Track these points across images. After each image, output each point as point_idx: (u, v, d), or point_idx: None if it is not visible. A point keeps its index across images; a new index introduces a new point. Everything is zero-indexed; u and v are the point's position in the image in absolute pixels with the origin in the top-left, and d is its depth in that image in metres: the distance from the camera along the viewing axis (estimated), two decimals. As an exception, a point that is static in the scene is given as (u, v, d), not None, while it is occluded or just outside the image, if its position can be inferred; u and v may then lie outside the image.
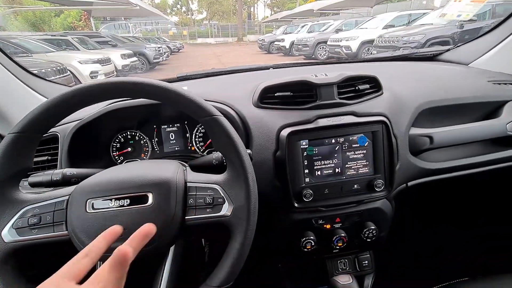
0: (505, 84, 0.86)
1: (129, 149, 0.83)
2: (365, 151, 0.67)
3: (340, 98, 0.68)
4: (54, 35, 8.01)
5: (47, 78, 0.85)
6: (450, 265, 1.02)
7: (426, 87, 0.81)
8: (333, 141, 0.66)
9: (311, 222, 0.71)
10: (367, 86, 0.72)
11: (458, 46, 1.12)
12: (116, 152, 0.83)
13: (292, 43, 10.95)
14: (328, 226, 0.72)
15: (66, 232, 0.45)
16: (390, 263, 0.87)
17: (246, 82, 0.96)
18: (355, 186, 0.68)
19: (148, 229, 0.40)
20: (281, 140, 0.65)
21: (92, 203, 0.45)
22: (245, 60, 11.41)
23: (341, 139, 0.66)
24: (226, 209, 0.47)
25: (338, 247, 0.73)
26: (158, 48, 9.82)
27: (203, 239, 0.88)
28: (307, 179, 0.66)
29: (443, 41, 6.10)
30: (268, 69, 1.12)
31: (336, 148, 0.66)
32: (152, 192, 0.46)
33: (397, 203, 0.77)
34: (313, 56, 9.86)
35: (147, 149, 0.85)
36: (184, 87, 0.91)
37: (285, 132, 0.64)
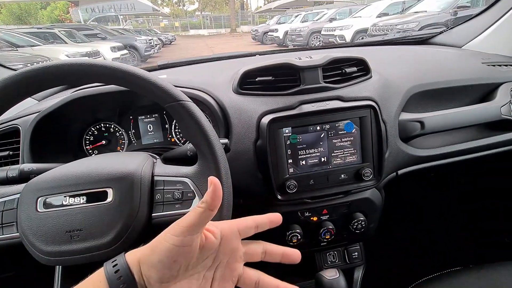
0: (500, 65, 0.82)
1: (104, 142, 0.78)
2: (352, 138, 0.63)
3: (326, 82, 0.64)
4: (40, 28, 7.76)
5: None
6: (442, 254, 1.00)
7: (418, 70, 0.77)
8: (318, 128, 0.62)
9: (297, 215, 0.67)
10: (355, 69, 0.67)
11: (451, 28, 1.07)
12: (89, 145, 0.77)
13: (286, 33, 10.77)
14: (315, 219, 0.69)
15: (17, 234, 0.41)
16: (381, 254, 0.85)
17: (229, 69, 0.90)
18: (342, 175, 0.64)
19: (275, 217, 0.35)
20: (261, 128, 0.60)
21: (44, 201, 0.40)
22: (238, 51, 11.21)
23: (327, 126, 0.62)
24: (196, 205, 0.43)
25: (326, 240, 0.70)
26: (149, 40, 9.59)
27: None
28: (290, 170, 0.62)
29: (437, 29, 6.06)
30: (254, 55, 1.07)
31: (322, 136, 0.62)
32: (112, 187, 0.41)
33: (386, 193, 0.73)
34: (307, 46, 9.73)
35: (123, 141, 0.79)
36: (162, 76, 0.86)
37: (265, 120, 0.60)
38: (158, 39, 11.84)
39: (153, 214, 0.43)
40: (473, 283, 0.61)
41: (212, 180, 0.29)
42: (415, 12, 6.68)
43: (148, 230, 0.43)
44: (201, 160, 0.45)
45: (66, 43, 6.88)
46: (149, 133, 0.82)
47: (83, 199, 0.41)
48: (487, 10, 0.97)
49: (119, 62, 0.42)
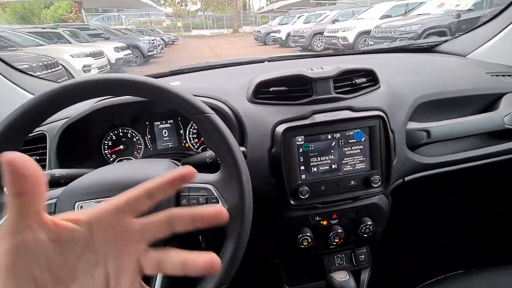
0: (503, 75, 0.85)
1: (121, 146, 0.81)
2: (361, 147, 0.66)
3: (336, 93, 0.67)
4: (44, 28, 7.80)
5: (34, 74, 0.82)
6: (446, 257, 1.02)
7: (423, 80, 0.80)
8: (329, 136, 0.65)
9: (308, 219, 0.70)
10: (364, 79, 0.70)
11: (455, 37, 1.10)
12: (108, 150, 0.81)
13: (288, 34, 10.80)
14: (324, 223, 0.72)
15: None
16: (387, 258, 0.87)
17: (240, 76, 0.94)
18: (352, 182, 0.67)
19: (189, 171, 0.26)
20: (276, 137, 0.63)
21: (81, 206, 0.43)
22: (241, 51, 11.26)
23: (338, 135, 0.65)
24: None
25: (335, 243, 0.73)
26: (152, 40, 9.62)
27: (200, 236, 0.87)
28: (303, 176, 0.65)
29: (440, 31, 6.07)
30: (263, 62, 1.10)
31: (333, 144, 0.65)
32: None
33: (393, 198, 0.76)
34: (310, 48, 9.76)
35: (140, 146, 0.83)
36: (176, 82, 0.89)
37: (280, 129, 0.63)
38: (161, 39, 11.88)
39: None
40: (477, 286, 0.64)
41: (4, 158, 0.19)
42: (418, 15, 6.69)
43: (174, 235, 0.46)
44: (224, 169, 0.48)
45: (70, 43, 6.91)
46: (164, 138, 0.85)
47: None
48: (492, 20, 1.00)
49: (151, 78, 0.45)
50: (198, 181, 0.48)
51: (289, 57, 1.19)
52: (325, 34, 8.83)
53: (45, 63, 4.40)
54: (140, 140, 0.83)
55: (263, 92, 0.69)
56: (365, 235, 0.73)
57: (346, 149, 0.66)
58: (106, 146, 0.81)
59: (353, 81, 0.68)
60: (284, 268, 0.86)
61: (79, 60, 5.65)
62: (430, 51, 1.15)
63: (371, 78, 0.71)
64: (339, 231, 0.72)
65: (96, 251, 0.24)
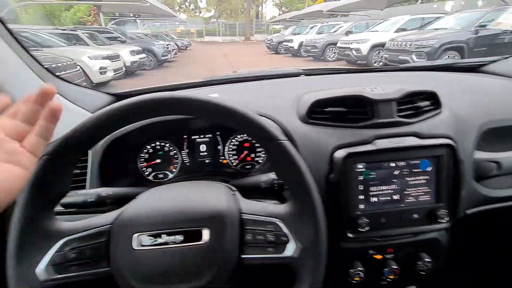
0: None
1: (158, 160, 0.77)
2: (427, 177, 0.60)
3: (399, 116, 0.61)
4: (64, 30, 8.01)
5: (57, 73, 0.78)
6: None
7: (487, 103, 0.74)
8: (392, 164, 0.59)
9: (362, 252, 0.64)
10: (427, 102, 0.64)
11: (506, 58, 1.04)
12: (144, 163, 0.77)
13: (301, 44, 10.85)
14: (379, 257, 0.65)
15: (109, 269, 0.39)
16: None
17: (282, 90, 0.89)
18: (415, 215, 0.60)
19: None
20: (335, 162, 0.58)
21: (140, 238, 0.39)
22: (253, 59, 11.33)
23: (402, 163, 0.59)
24: (291, 250, 0.41)
25: (388, 280, 0.66)
26: (167, 45, 9.79)
27: None
28: (361, 206, 0.60)
29: (458, 47, 5.99)
30: (299, 75, 1.05)
31: (396, 173, 0.59)
32: (208, 227, 0.40)
33: (453, 233, 0.69)
34: (322, 58, 9.78)
35: (177, 161, 0.78)
36: (215, 94, 0.85)
37: (340, 154, 0.58)
38: (175, 44, 12.08)
39: (243, 256, 0.41)
40: None
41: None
42: (435, 29, 6.63)
43: (238, 273, 0.41)
44: (294, 201, 0.43)
45: (88, 45, 7.06)
46: (201, 153, 0.81)
47: (179, 238, 0.39)
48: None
49: (223, 100, 0.41)
50: (264, 214, 0.43)
51: (324, 71, 1.14)
52: (338, 45, 8.84)
53: (64, 63, 4.49)
54: (177, 154, 0.78)
55: (318, 112, 0.65)
56: (422, 273, 0.66)
57: (409, 178, 0.60)
58: (142, 159, 0.77)
59: (417, 104, 0.63)
60: None
61: (96, 62, 5.76)
62: (476, 70, 1.09)
63: (434, 101, 0.66)
64: (394, 267, 0.65)
65: None
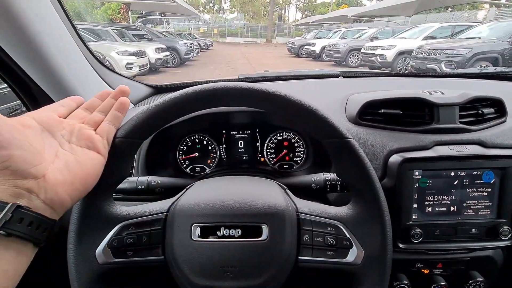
0: None
1: (196, 154, 0.77)
2: (490, 190, 0.55)
3: (461, 122, 0.57)
4: (96, 26, 8.36)
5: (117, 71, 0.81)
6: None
7: None
8: (452, 173, 0.55)
9: (409, 265, 0.60)
10: (492, 110, 0.60)
11: None
12: (182, 156, 0.76)
13: (323, 48, 10.74)
14: (426, 271, 0.61)
15: (162, 257, 0.38)
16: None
17: (324, 90, 0.87)
18: (473, 230, 0.56)
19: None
20: (390, 167, 0.55)
21: (199, 229, 0.38)
22: (274, 62, 11.32)
23: (463, 173, 0.55)
24: (354, 256, 0.38)
25: (436, 297, 0.62)
26: (190, 44, 9.98)
27: None
28: (414, 215, 0.56)
29: (492, 57, 5.68)
30: (338, 77, 1.02)
31: (455, 183, 0.55)
32: (267, 223, 0.38)
33: (509, 252, 0.64)
34: (344, 63, 9.61)
35: (214, 155, 0.78)
36: None
37: (396, 159, 0.54)
38: (198, 43, 12.30)
39: (300, 257, 0.39)
40: None
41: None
42: (468, 38, 6.33)
43: (294, 274, 0.39)
44: (357, 203, 0.41)
45: (116, 41, 7.33)
46: (239, 150, 0.80)
47: (238, 232, 0.37)
48: None
49: (291, 94, 0.39)
50: (323, 215, 0.41)
51: (362, 74, 1.10)
52: (362, 50, 8.65)
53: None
54: (215, 149, 0.78)
55: (370, 114, 0.62)
56: None
57: (470, 190, 0.56)
58: (181, 152, 0.76)
59: (480, 111, 0.59)
60: None
61: (124, 58, 5.97)
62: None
63: (498, 108, 0.61)
64: (443, 283, 0.61)
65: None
